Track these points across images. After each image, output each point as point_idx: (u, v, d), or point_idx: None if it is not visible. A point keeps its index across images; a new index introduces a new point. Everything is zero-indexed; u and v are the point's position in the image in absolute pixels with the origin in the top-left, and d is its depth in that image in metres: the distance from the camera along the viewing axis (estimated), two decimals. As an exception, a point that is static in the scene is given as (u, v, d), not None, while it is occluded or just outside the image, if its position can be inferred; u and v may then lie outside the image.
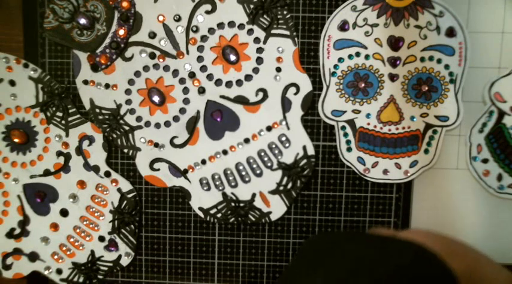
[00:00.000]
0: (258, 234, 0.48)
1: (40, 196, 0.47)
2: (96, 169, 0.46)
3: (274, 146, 0.45)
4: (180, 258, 0.48)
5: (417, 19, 0.43)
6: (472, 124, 0.44)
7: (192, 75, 0.44)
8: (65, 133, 0.46)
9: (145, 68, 0.45)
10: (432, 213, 0.46)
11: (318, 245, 0.31)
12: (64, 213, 0.47)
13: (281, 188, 0.45)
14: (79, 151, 0.46)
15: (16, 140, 0.46)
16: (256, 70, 0.44)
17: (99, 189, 0.46)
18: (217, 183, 0.46)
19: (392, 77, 0.44)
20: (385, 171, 0.45)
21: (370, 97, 0.44)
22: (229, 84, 0.44)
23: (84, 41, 0.44)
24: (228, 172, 0.45)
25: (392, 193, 0.46)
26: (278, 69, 0.44)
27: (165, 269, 0.49)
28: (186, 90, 0.45)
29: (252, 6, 0.43)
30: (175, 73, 0.45)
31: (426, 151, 0.45)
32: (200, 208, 0.46)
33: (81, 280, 0.48)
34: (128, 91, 0.45)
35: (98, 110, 0.45)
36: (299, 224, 0.47)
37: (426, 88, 0.43)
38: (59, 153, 0.46)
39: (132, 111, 0.45)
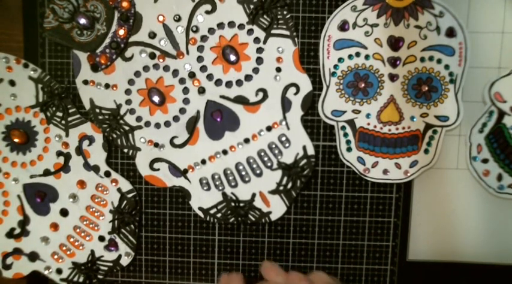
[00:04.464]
0: (258, 234, 0.48)
1: (40, 196, 0.47)
2: (96, 169, 0.46)
3: (274, 146, 0.45)
4: (180, 258, 0.48)
5: (417, 19, 0.43)
6: (472, 124, 0.45)
7: (192, 75, 0.44)
8: (65, 133, 0.46)
9: (145, 68, 0.45)
10: (432, 213, 0.46)
11: None
12: (64, 212, 0.47)
13: (281, 188, 0.45)
14: (79, 151, 0.46)
15: (16, 140, 0.46)
16: (256, 70, 0.44)
17: (99, 188, 0.46)
18: (217, 183, 0.46)
19: (392, 77, 0.44)
20: (385, 171, 0.45)
21: (370, 97, 0.44)
22: (229, 84, 0.44)
23: (84, 41, 0.44)
24: (228, 172, 0.45)
25: (393, 193, 0.46)
26: (278, 69, 0.44)
27: (165, 269, 0.49)
28: (186, 90, 0.45)
29: (252, 6, 0.43)
30: (175, 73, 0.45)
31: (426, 151, 0.45)
32: (200, 208, 0.46)
33: (81, 280, 0.48)
34: (128, 91, 0.45)
35: (98, 110, 0.45)
36: (299, 224, 0.47)
37: (426, 88, 0.43)
38: (59, 153, 0.46)
39: (132, 111, 0.45)
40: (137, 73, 0.45)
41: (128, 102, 0.45)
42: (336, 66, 0.44)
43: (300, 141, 0.45)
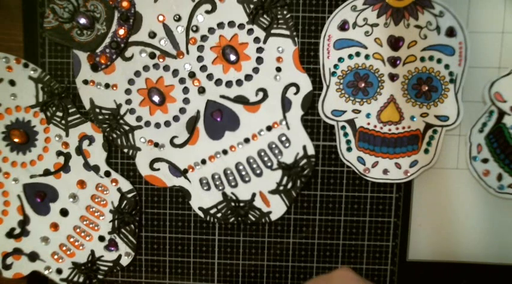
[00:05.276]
0: (258, 234, 0.48)
1: (40, 196, 0.47)
2: (96, 169, 0.46)
3: (274, 146, 0.45)
4: (180, 258, 0.48)
5: (417, 19, 0.43)
6: (472, 124, 0.44)
7: (192, 75, 0.44)
8: (65, 133, 0.46)
9: (145, 68, 0.45)
10: (432, 213, 0.46)
11: None
12: (64, 212, 0.47)
13: (281, 188, 0.45)
14: (79, 151, 0.46)
15: (16, 140, 0.46)
16: (256, 70, 0.44)
17: (99, 188, 0.46)
18: (217, 182, 0.46)
19: (392, 77, 0.44)
20: (385, 171, 0.45)
21: (370, 97, 0.44)
22: (229, 83, 0.44)
23: (84, 41, 0.44)
24: (228, 172, 0.45)
25: (392, 193, 0.46)
26: (278, 69, 0.44)
27: (165, 269, 0.49)
28: (186, 90, 0.45)
29: (252, 6, 0.43)
30: (175, 73, 0.45)
31: (426, 151, 0.45)
32: (200, 208, 0.46)
33: (81, 279, 0.48)
34: (128, 91, 0.45)
35: (98, 110, 0.45)
36: (299, 224, 0.47)
37: (426, 88, 0.43)
38: (59, 153, 0.46)
39: (132, 111, 0.45)
40: (137, 73, 0.45)
41: (128, 102, 0.45)
42: (336, 66, 0.44)
43: (300, 140, 0.45)
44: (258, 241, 0.48)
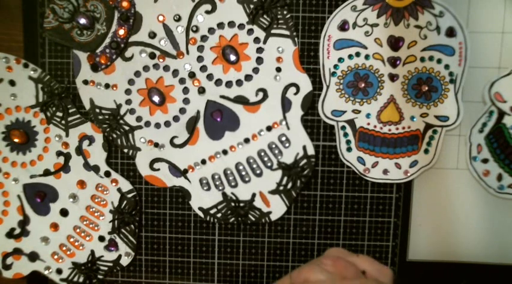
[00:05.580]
0: (258, 234, 0.48)
1: (40, 196, 0.47)
2: (96, 169, 0.46)
3: (274, 146, 0.45)
4: (180, 258, 0.48)
5: (417, 19, 0.43)
6: (472, 124, 0.44)
7: (192, 75, 0.44)
8: (65, 133, 0.46)
9: (145, 68, 0.45)
10: (432, 213, 0.46)
11: None
12: (64, 212, 0.47)
13: (281, 188, 0.45)
14: (79, 151, 0.46)
15: (16, 140, 0.46)
16: (256, 70, 0.44)
17: (99, 188, 0.46)
18: (217, 182, 0.46)
19: (392, 77, 0.44)
20: (385, 171, 0.45)
21: (370, 97, 0.44)
22: (229, 84, 0.44)
23: (84, 41, 0.44)
24: (228, 172, 0.45)
25: (392, 193, 0.46)
26: (278, 69, 0.44)
27: (165, 269, 0.49)
28: (186, 90, 0.45)
29: (252, 6, 0.43)
30: (175, 73, 0.45)
31: (426, 151, 0.45)
32: (200, 208, 0.46)
33: (81, 280, 0.48)
34: (128, 91, 0.45)
35: (98, 110, 0.45)
36: (299, 224, 0.47)
37: (426, 88, 0.43)
38: (59, 153, 0.46)
39: (132, 111, 0.45)
40: (137, 73, 0.45)
41: (128, 102, 0.45)
42: (336, 66, 0.44)
43: (300, 141, 0.45)
44: (258, 241, 0.48)
